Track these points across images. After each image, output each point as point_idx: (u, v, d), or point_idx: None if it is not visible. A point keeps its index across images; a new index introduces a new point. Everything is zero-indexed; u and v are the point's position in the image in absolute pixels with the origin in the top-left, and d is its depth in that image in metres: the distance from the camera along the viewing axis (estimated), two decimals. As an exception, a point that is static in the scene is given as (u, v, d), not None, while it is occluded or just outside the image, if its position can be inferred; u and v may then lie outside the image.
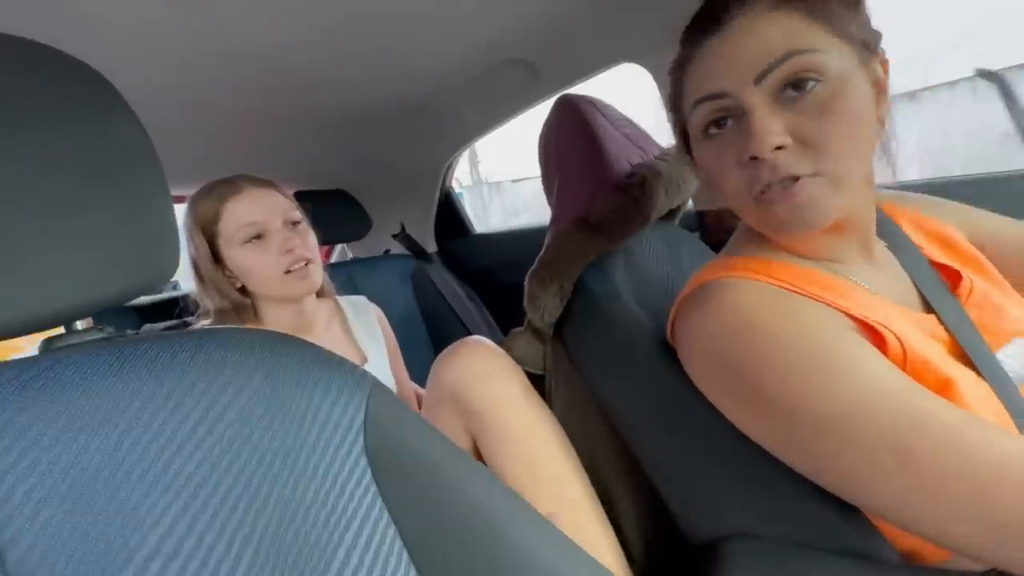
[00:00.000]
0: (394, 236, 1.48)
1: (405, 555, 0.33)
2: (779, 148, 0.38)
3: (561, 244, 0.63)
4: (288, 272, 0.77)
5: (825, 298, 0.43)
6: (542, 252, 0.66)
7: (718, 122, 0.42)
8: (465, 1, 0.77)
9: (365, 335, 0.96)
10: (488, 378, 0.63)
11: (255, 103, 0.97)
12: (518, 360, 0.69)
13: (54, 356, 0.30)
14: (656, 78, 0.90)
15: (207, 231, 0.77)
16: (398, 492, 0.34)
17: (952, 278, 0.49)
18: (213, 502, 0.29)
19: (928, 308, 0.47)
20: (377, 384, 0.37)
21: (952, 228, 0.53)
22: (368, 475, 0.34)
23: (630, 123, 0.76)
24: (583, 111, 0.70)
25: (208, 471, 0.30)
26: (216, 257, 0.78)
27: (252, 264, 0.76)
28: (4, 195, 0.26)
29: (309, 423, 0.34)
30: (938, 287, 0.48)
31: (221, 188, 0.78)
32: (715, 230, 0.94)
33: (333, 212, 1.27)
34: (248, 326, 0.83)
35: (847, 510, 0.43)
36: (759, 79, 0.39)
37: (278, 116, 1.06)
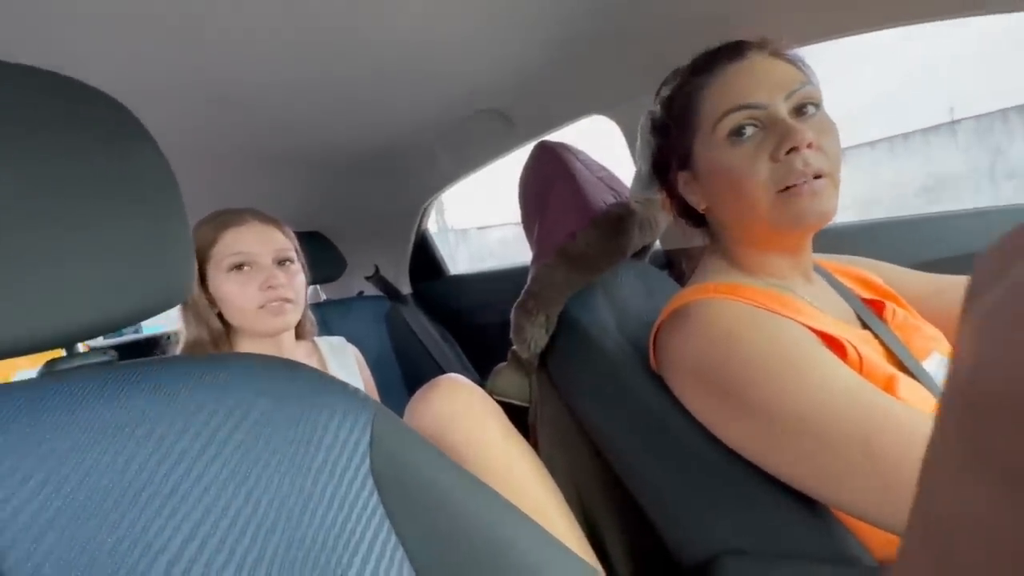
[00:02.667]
0: (368, 278, 1.48)
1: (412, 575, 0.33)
2: (809, 146, 0.46)
3: (545, 277, 0.66)
4: (263, 307, 0.77)
5: (786, 314, 0.48)
6: (528, 284, 0.69)
7: (740, 131, 0.49)
8: (443, 52, 0.83)
9: (341, 375, 0.95)
10: (466, 416, 0.63)
11: (233, 144, 0.99)
12: (504, 393, 0.70)
13: (58, 377, 0.29)
14: (623, 129, 0.98)
15: (201, 254, 0.77)
16: (404, 512, 0.34)
17: (877, 308, 0.57)
18: (222, 525, 0.29)
19: (864, 326, 0.54)
20: (380, 407, 0.38)
21: (868, 272, 0.63)
22: (375, 496, 0.34)
23: (602, 167, 0.82)
24: (560, 155, 0.75)
25: (216, 494, 0.29)
26: (203, 281, 0.77)
27: (231, 292, 0.76)
28: (22, 215, 0.26)
29: (316, 446, 0.34)
30: (868, 311, 0.56)
31: (226, 216, 0.80)
32: (680, 267, 1.01)
33: (308, 253, 1.27)
34: None
35: (827, 519, 0.46)
36: (788, 96, 0.48)
37: (255, 157, 1.08)
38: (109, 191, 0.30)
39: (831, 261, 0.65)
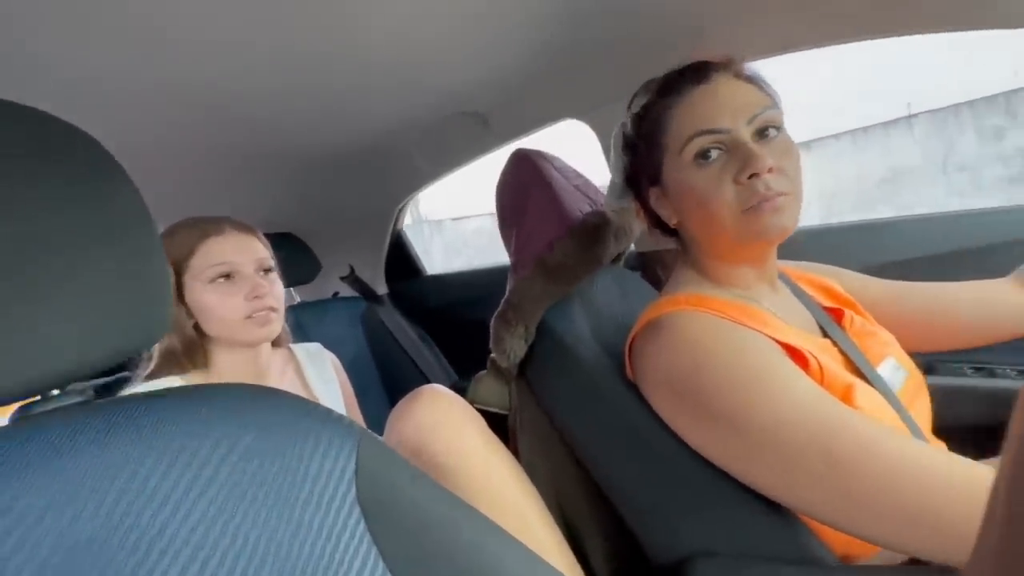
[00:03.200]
0: (343, 278, 1.46)
1: None
2: (770, 170, 0.48)
3: (524, 288, 0.67)
4: (249, 317, 0.75)
5: (752, 325, 0.51)
6: (507, 296, 0.70)
7: (705, 154, 0.51)
8: (421, 55, 0.82)
9: (319, 383, 0.94)
10: (447, 426, 0.64)
11: (202, 145, 0.96)
12: (484, 401, 0.71)
13: (33, 424, 0.29)
14: (598, 134, 0.99)
15: (177, 263, 0.75)
16: (392, 540, 0.35)
17: (836, 315, 0.61)
18: (212, 563, 0.29)
19: (824, 334, 0.58)
20: (365, 433, 0.38)
21: (829, 279, 0.67)
22: (362, 525, 0.35)
23: (578, 175, 0.83)
24: (537, 164, 0.76)
25: (204, 533, 0.29)
26: (179, 291, 0.75)
27: (215, 303, 0.74)
28: None
29: (302, 477, 0.34)
30: (828, 320, 0.60)
31: (204, 226, 0.77)
32: (654, 268, 1.04)
33: (280, 255, 1.25)
34: (196, 373, 0.79)
35: (792, 522, 0.49)
36: (750, 121, 0.50)
37: (225, 158, 1.05)
38: (84, 231, 0.29)
39: (795, 269, 0.69)
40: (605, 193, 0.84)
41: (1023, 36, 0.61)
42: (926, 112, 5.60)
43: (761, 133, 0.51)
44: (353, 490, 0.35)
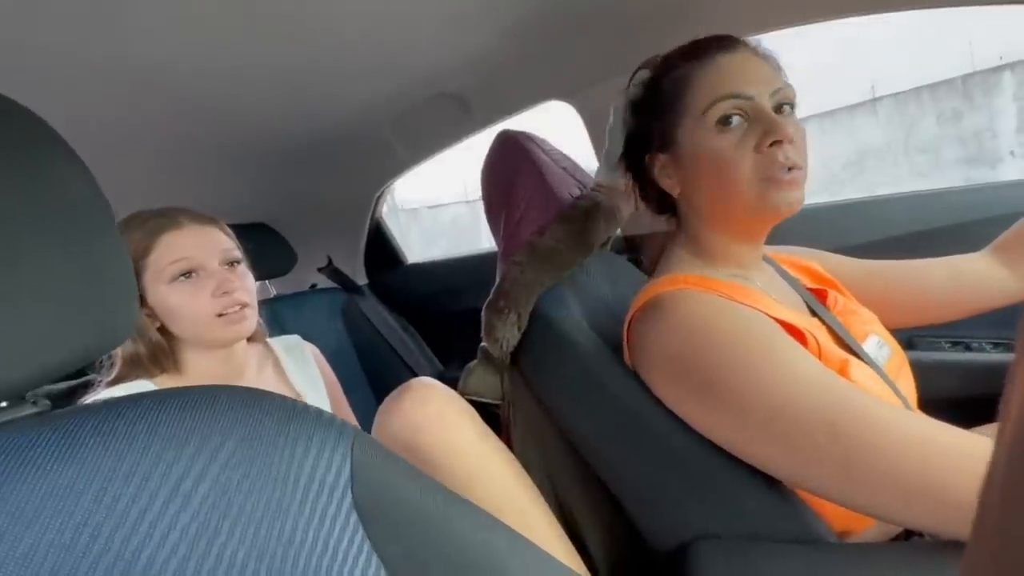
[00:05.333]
0: (320, 270, 1.41)
1: None
2: (791, 141, 0.49)
3: (516, 275, 0.65)
4: (221, 315, 0.71)
5: (752, 305, 0.51)
6: (497, 283, 0.67)
7: (727, 120, 0.51)
8: (397, 33, 0.78)
9: (301, 377, 0.90)
10: (439, 420, 0.62)
11: (159, 127, 0.89)
12: (476, 393, 0.69)
13: None
14: (583, 116, 0.97)
15: (134, 264, 0.68)
16: (393, 547, 0.33)
17: (821, 296, 0.62)
18: None
19: (813, 314, 0.59)
20: (359, 433, 0.36)
21: (811, 261, 0.68)
22: (360, 532, 0.32)
23: (565, 157, 0.81)
24: (524, 146, 0.73)
25: (186, 555, 0.27)
26: (139, 295, 0.70)
27: (181, 304, 0.69)
28: None
29: (293, 484, 0.31)
30: (814, 300, 0.60)
31: (157, 220, 0.71)
32: (639, 251, 1.03)
33: (253, 247, 1.19)
34: (166, 376, 0.74)
35: (792, 501, 0.49)
36: (773, 93, 0.51)
37: (189, 146, 0.98)
38: (36, 224, 0.25)
39: (778, 252, 0.69)
40: (593, 176, 0.82)
41: (979, 20, 0.63)
42: (889, 96, 5.76)
43: (779, 108, 0.51)
44: (349, 496, 0.33)
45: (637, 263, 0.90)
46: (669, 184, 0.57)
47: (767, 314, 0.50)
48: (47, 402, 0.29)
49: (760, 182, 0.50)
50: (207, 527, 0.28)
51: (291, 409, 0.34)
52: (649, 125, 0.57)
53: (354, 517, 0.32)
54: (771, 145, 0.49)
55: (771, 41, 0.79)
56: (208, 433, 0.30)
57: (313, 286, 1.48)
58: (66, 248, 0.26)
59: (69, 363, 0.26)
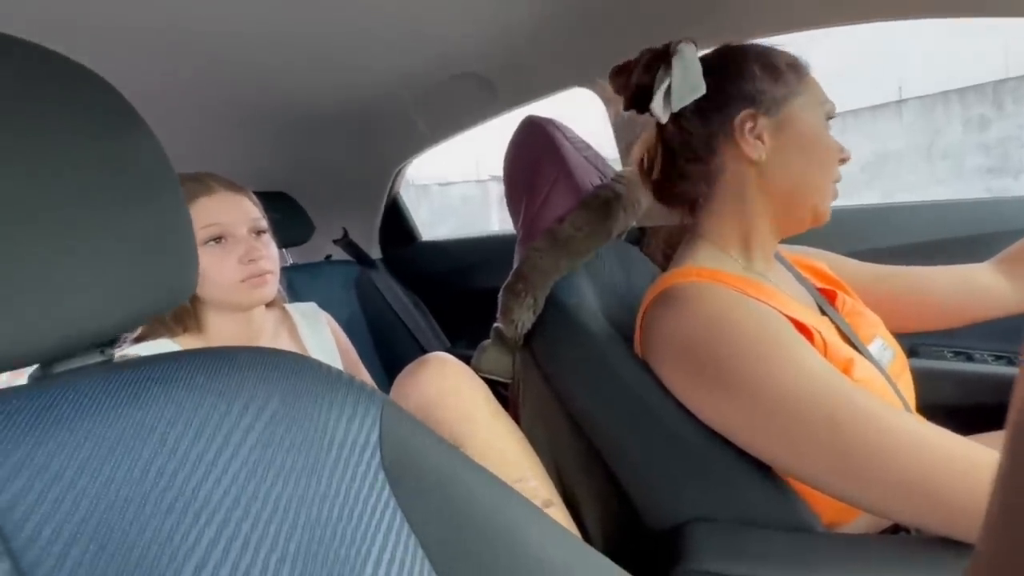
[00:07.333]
0: (336, 241, 1.43)
1: (428, 564, 0.34)
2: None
3: (535, 260, 0.67)
4: (244, 280, 0.73)
5: (764, 300, 0.53)
6: (516, 267, 0.69)
7: (831, 118, 0.58)
8: (427, 10, 0.78)
9: (315, 344, 0.93)
10: (456, 394, 0.64)
11: (194, 97, 0.91)
12: (488, 370, 0.71)
13: (59, 384, 0.28)
14: (607, 104, 0.97)
15: None
16: (416, 504, 0.35)
17: (829, 296, 0.64)
18: (244, 527, 0.29)
19: (822, 312, 0.61)
20: (388, 400, 0.38)
21: (820, 262, 0.70)
22: (387, 490, 0.35)
23: (587, 146, 0.82)
24: (549, 133, 0.74)
25: (236, 496, 0.29)
26: None
27: (208, 267, 0.72)
28: (16, 212, 0.24)
29: (328, 443, 0.34)
30: (823, 299, 0.62)
31: (190, 185, 0.73)
32: (655, 243, 1.04)
33: (274, 216, 1.21)
34: (188, 336, 0.77)
35: (785, 490, 0.51)
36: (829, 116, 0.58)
37: (218, 112, 1.00)
38: (104, 184, 0.27)
39: (788, 252, 0.70)
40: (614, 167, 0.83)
41: (1017, 26, 0.63)
42: (915, 98, 5.63)
43: None
44: (378, 456, 0.35)
45: (650, 256, 0.92)
46: (753, 146, 0.54)
47: (779, 310, 0.52)
48: (111, 351, 0.32)
49: (833, 184, 0.57)
50: (254, 474, 0.30)
51: (328, 374, 0.37)
52: (761, 83, 0.55)
53: (382, 475, 0.35)
54: (842, 161, 0.58)
55: (798, 35, 0.80)
56: (256, 391, 0.33)
57: (328, 257, 1.50)
58: (139, 210, 0.28)
59: (140, 317, 0.28)
